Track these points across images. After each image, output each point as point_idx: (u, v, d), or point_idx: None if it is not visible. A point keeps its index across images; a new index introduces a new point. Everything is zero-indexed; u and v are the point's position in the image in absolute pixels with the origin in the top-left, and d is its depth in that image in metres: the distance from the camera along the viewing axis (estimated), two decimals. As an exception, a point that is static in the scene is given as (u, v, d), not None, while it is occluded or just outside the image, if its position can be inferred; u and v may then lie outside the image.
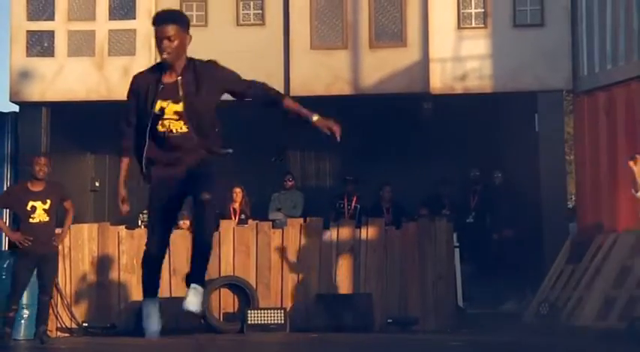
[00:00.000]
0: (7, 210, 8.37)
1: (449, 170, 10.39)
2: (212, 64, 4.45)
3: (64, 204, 7.58)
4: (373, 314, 8.72)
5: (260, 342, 7.73)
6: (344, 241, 9.13)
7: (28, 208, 7.28)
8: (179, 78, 4.34)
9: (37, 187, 7.34)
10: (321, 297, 8.90)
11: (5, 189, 8.03)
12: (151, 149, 4.41)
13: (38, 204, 7.28)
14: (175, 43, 4.29)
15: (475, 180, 10.24)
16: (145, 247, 4.64)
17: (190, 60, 4.40)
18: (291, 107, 4.60)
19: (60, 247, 9.11)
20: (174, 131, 4.34)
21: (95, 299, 9.06)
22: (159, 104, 4.34)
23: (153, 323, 4.67)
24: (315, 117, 4.58)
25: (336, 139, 4.44)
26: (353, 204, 10.11)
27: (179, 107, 4.33)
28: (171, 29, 4.28)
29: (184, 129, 4.33)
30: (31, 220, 7.31)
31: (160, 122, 4.34)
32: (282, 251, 8.98)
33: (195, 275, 4.44)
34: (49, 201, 7.33)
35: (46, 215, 7.32)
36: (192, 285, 4.40)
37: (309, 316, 8.82)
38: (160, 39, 4.30)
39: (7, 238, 9.57)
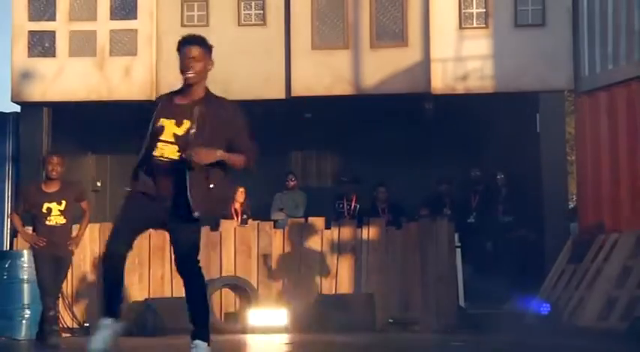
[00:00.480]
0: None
1: (450, 170, 10.39)
2: (231, 106, 4.49)
3: (80, 205, 7.31)
4: (374, 314, 8.72)
5: (261, 343, 7.72)
6: (345, 241, 9.13)
7: (44, 210, 7.04)
8: (192, 102, 4.36)
9: (51, 188, 7.09)
10: (323, 297, 8.91)
11: (21, 191, 7.53)
12: (143, 163, 4.41)
13: (53, 205, 7.04)
14: (199, 64, 4.39)
15: (476, 180, 10.24)
16: (105, 248, 4.52)
17: (209, 92, 4.47)
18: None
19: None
20: (164, 157, 4.32)
21: (96, 300, 9.05)
22: (161, 121, 4.36)
23: (97, 341, 4.36)
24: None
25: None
26: (353, 203, 10.11)
27: (179, 130, 4.31)
28: (195, 50, 4.42)
29: (175, 156, 4.31)
30: (47, 222, 7.05)
31: (157, 143, 4.33)
32: (265, 258, 8.99)
33: (198, 332, 4.38)
34: (64, 202, 7.06)
35: (62, 217, 7.06)
36: (196, 342, 4.34)
37: (310, 316, 8.81)
38: (184, 59, 4.40)
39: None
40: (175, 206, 4.31)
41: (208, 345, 4.37)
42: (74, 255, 9.43)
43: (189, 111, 4.35)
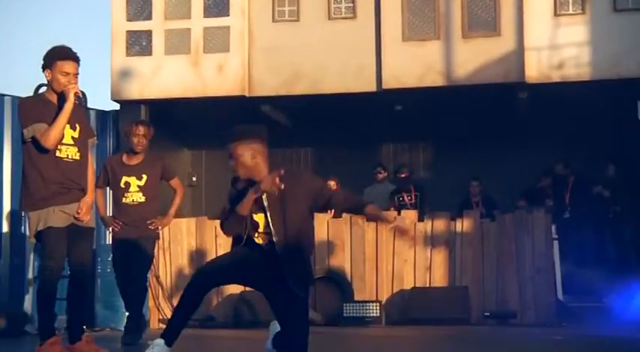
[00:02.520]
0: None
1: (545, 161, 10.15)
2: (301, 178, 4.42)
3: (170, 183, 6.44)
4: (470, 307, 8.62)
5: (356, 335, 7.74)
6: (439, 234, 9.05)
7: (122, 185, 6.19)
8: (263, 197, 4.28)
9: (133, 160, 6.25)
10: (417, 290, 8.86)
11: (104, 162, 6.53)
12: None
13: (132, 179, 6.18)
14: (241, 160, 4.27)
15: (564, 174, 9.97)
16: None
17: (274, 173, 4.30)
18: (374, 214, 4.53)
19: (159, 241, 9.38)
20: (264, 244, 4.32)
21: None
22: (255, 217, 4.31)
23: None
24: (391, 225, 4.52)
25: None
26: (412, 195, 10.00)
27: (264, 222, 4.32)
28: (236, 147, 4.26)
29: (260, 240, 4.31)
30: (124, 200, 6.19)
31: (254, 233, 4.32)
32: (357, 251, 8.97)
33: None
34: (144, 177, 6.17)
35: (141, 194, 6.18)
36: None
37: (404, 309, 8.78)
38: (230, 156, 4.29)
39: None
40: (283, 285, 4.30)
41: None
42: (172, 249, 9.55)
43: (264, 201, 4.30)
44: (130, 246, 6.22)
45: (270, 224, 4.27)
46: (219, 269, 4.36)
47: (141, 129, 6.26)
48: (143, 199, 6.23)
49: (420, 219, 9.03)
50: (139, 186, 6.21)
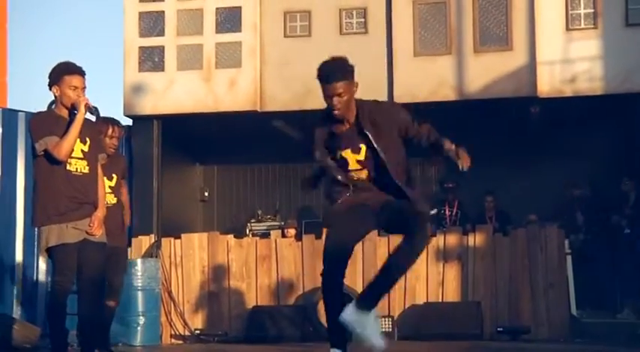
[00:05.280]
0: None
1: (558, 176, 10.11)
2: (387, 106, 4.56)
3: (122, 181, 6.20)
4: (482, 322, 8.57)
5: (368, 350, 7.70)
6: (451, 248, 9.02)
7: None
8: (352, 126, 4.36)
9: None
10: (429, 305, 8.82)
11: None
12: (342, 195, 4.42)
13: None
14: (345, 98, 4.33)
15: (578, 195, 9.92)
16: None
17: (360, 105, 4.40)
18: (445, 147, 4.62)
19: (172, 256, 9.42)
20: (361, 180, 4.37)
21: (207, 307, 9.27)
22: (339, 154, 4.38)
23: None
24: (446, 146, 4.62)
25: (461, 169, 4.41)
26: (455, 210, 9.98)
27: (360, 156, 4.36)
28: (340, 87, 4.33)
29: (364, 176, 4.37)
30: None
31: (348, 173, 4.37)
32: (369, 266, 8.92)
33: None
34: (115, 177, 5.96)
35: (112, 195, 5.93)
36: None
37: (417, 324, 8.74)
38: (329, 96, 4.35)
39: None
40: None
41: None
42: (184, 264, 9.52)
43: (356, 136, 4.35)
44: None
45: (376, 146, 4.26)
46: (339, 248, 4.35)
47: (116, 131, 6.11)
48: (115, 201, 6.03)
49: (464, 233, 9.01)
50: (110, 188, 5.96)
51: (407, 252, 4.31)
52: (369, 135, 4.30)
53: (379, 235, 9.27)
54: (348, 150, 4.34)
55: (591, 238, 9.58)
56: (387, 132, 4.32)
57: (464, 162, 4.36)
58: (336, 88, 4.31)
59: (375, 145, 4.29)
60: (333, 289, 4.33)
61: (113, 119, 6.24)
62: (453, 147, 4.41)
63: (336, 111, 4.33)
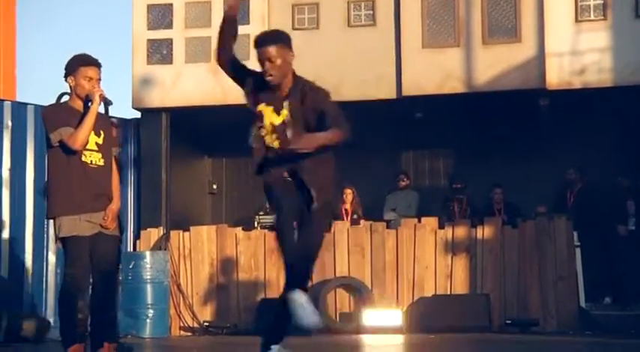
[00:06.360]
0: None
1: (567, 168, 10.07)
2: (323, 91, 4.40)
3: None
4: (491, 315, 8.57)
5: (377, 343, 7.72)
6: (459, 241, 9.01)
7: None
8: (284, 94, 4.33)
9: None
10: (438, 298, 8.82)
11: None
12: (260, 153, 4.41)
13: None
14: (278, 63, 4.29)
15: (572, 181, 9.87)
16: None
17: (298, 80, 4.36)
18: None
19: (180, 249, 9.45)
20: (268, 143, 4.33)
21: (216, 300, 9.29)
22: (260, 106, 4.34)
23: None
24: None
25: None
26: (464, 206, 9.96)
27: (277, 119, 4.32)
28: (272, 50, 4.28)
29: (275, 144, 4.30)
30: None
31: (258, 127, 4.33)
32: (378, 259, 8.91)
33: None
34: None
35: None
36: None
37: (425, 316, 8.75)
38: (261, 61, 4.32)
39: (131, 237, 9.92)
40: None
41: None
42: (193, 256, 9.50)
43: (282, 103, 4.31)
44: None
45: (295, 115, 4.20)
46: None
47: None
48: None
49: (473, 226, 9.01)
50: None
51: (304, 249, 4.31)
52: (293, 102, 4.26)
53: (387, 228, 9.27)
54: (270, 108, 4.31)
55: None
56: (311, 112, 4.27)
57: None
58: (268, 52, 4.28)
59: (294, 113, 4.24)
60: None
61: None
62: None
63: (269, 77, 4.30)
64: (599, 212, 9.39)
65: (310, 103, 4.30)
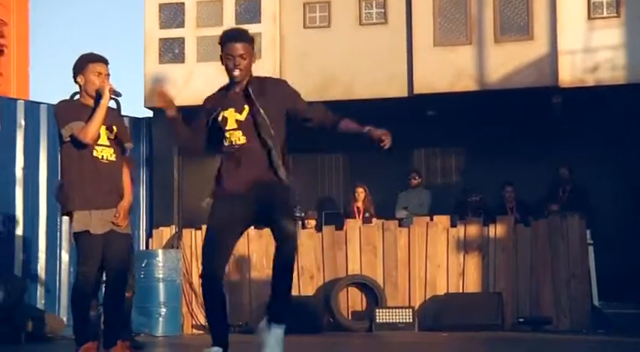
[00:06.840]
0: None
1: (579, 167, 10.03)
2: (280, 82, 4.51)
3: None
4: (503, 313, 8.55)
5: (388, 341, 7.72)
6: (472, 239, 9.00)
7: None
8: (242, 91, 4.38)
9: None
10: (450, 296, 8.81)
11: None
12: (222, 165, 4.50)
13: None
14: (246, 61, 4.36)
15: (565, 180, 9.82)
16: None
17: (254, 78, 4.44)
18: (348, 127, 4.57)
19: (192, 247, 9.46)
20: (234, 143, 4.37)
21: (228, 298, 9.29)
22: (222, 114, 4.40)
23: None
24: (365, 129, 4.55)
25: (385, 148, 4.38)
26: (477, 210, 9.90)
27: (241, 116, 4.37)
28: (243, 47, 4.35)
29: (242, 140, 4.36)
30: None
31: (225, 134, 4.38)
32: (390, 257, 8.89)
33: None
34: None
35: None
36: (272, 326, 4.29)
37: (437, 315, 8.74)
38: (232, 56, 4.36)
39: (143, 235, 9.97)
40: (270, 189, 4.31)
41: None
42: (199, 250, 9.56)
43: (242, 99, 4.37)
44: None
45: (258, 105, 4.27)
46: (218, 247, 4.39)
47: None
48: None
49: (485, 224, 8.99)
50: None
51: (282, 259, 4.37)
52: (252, 96, 4.31)
53: (400, 226, 9.26)
54: (232, 110, 4.36)
55: None
56: (273, 104, 4.32)
57: (386, 140, 4.33)
58: (240, 48, 4.35)
59: (257, 104, 4.28)
60: (213, 290, 4.42)
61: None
62: (368, 127, 4.39)
63: (236, 72, 4.35)
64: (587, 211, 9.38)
65: (271, 92, 4.38)
